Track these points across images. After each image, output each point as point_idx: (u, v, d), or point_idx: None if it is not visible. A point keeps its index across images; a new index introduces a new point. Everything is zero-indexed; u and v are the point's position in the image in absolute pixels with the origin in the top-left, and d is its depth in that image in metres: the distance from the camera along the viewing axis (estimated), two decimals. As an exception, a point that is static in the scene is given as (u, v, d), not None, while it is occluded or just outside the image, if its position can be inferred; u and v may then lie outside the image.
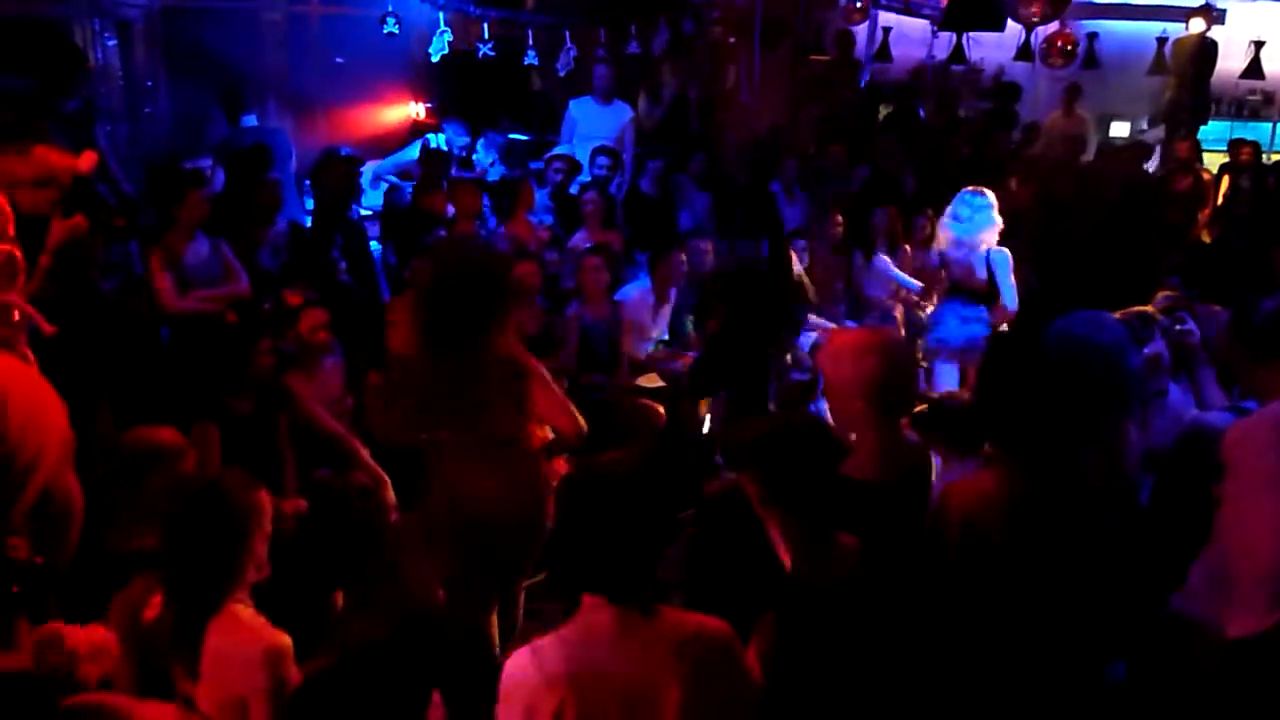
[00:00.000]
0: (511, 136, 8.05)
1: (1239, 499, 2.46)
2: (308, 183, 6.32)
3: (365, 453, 4.37)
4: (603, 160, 6.86)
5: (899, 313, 7.06)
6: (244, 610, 2.43)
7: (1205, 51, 10.01)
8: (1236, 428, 2.56)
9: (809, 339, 6.59)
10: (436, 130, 7.60)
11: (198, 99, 6.95)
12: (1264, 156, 9.43)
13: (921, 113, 10.57)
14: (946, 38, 10.68)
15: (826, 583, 2.18)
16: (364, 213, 6.32)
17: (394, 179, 7.00)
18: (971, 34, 10.51)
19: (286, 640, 2.42)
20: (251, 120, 6.46)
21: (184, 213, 4.77)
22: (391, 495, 4.29)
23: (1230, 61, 10.28)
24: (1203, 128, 10.22)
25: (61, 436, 1.76)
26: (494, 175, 7.18)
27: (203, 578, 2.41)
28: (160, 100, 7.13)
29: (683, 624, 1.94)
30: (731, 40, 9.58)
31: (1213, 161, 9.59)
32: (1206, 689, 2.49)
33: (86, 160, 4.51)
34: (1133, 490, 2.88)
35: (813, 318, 6.73)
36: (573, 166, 6.90)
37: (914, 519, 2.44)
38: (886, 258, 7.07)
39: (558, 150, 6.99)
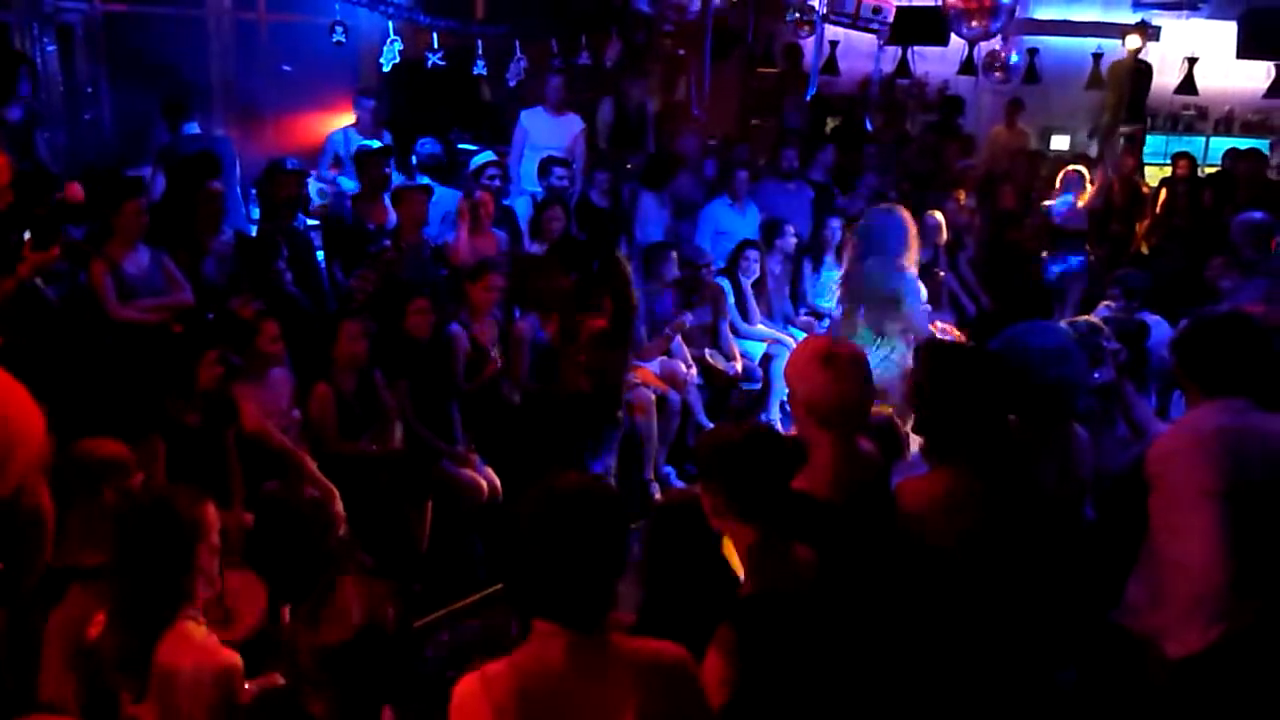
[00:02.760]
0: (462, 146, 8.00)
1: (1169, 515, 2.50)
2: (253, 192, 6.23)
3: (313, 465, 4.32)
4: (560, 171, 6.81)
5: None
6: (194, 628, 2.38)
7: (1141, 68, 10.28)
8: (1160, 443, 2.60)
9: (759, 349, 6.66)
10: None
11: (140, 105, 6.82)
12: (1199, 170, 9.69)
13: (869, 125, 10.71)
14: (892, 52, 10.85)
15: (783, 593, 2.18)
16: (311, 223, 6.24)
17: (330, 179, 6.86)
18: (916, 48, 10.70)
19: (236, 659, 2.38)
20: (194, 128, 6.35)
21: (121, 222, 4.69)
22: (340, 507, 4.24)
23: (1165, 77, 10.58)
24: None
25: (36, 445, 1.71)
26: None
27: (151, 594, 2.36)
28: (101, 106, 6.99)
29: (637, 651, 1.91)
30: (682, 52, 9.63)
31: (1149, 174, 9.86)
32: (1154, 707, 2.52)
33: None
34: (1082, 496, 2.93)
35: (762, 328, 6.79)
36: (505, 172, 6.83)
37: (870, 531, 2.46)
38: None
39: (489, 157, 6.89)
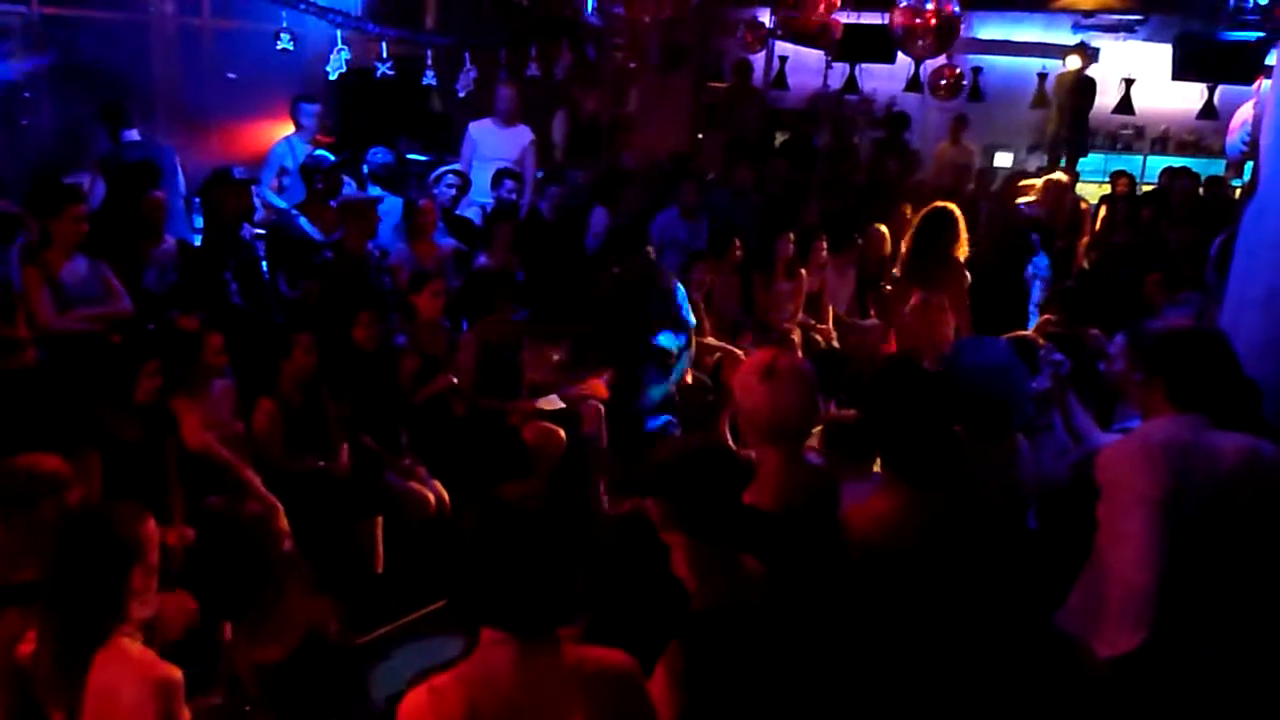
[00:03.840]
0: (410, 156, 7.96)
1: (1110, 521, 2.56)
2: (196, 201, 6.13)
3: (257, 480, 4.25)
4: (509, 184, 6.81)
5: (797, 335, 7.19)
6: (131, 644, 2.33)
7: (1084, 87, 10.54)
8: (1108, 451, 2.65)
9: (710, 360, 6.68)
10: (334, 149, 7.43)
11: (79, 111, 6.69)
12: (1136, 188, 9.94)
13: (817, 140, 10.85)
14: (840, 68, 11.00)
15: (732, 608, 2.19)
16: (258, 233, 6.15)
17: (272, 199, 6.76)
18: (864, 65, 10.86)
19: (177, 674, 2.33)
20: (135, 135, 6.23)
21: (61, 229, 4.58)
22: (284, 522, 4.17)
23: (1104, 97, 10.85)
24: (1080, 159, 10.78)
25: None
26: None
27: (85, 612, 2.30)
28: (40, 111, 6.85)
29: (586, 660, 1.90)
30: (633, 65, 9.68)
31: (1089, 191, 10.10)
32: (1084, 708, 2.58)
33: None
34: (1025, 508, 2.98)
35: (711, 340, 6.82)
36: (465, 182, 6.82)
37: (819, 544, 2.47)
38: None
39: (452, 165, 6.87)
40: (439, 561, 4.71)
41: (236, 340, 4.58)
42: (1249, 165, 9.70)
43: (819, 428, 3.10)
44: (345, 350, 4.88)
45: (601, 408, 5.76)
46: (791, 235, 7.35)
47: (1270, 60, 5.71)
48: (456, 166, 6.83)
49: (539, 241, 6.81)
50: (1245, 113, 7.68)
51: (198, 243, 5.72)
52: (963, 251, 5.73)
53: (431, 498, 4.80)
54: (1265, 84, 6.07)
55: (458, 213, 6.84)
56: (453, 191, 6.56)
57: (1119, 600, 2.47)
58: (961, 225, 5.72)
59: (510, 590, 1.82)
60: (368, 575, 4.57)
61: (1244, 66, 8.84)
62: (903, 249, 6.00)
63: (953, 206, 5.81)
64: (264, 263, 5.87)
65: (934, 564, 2.40)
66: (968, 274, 5.82)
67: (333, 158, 6.36)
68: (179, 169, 6.24)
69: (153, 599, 2.41)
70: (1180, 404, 2.59)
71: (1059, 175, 8.05)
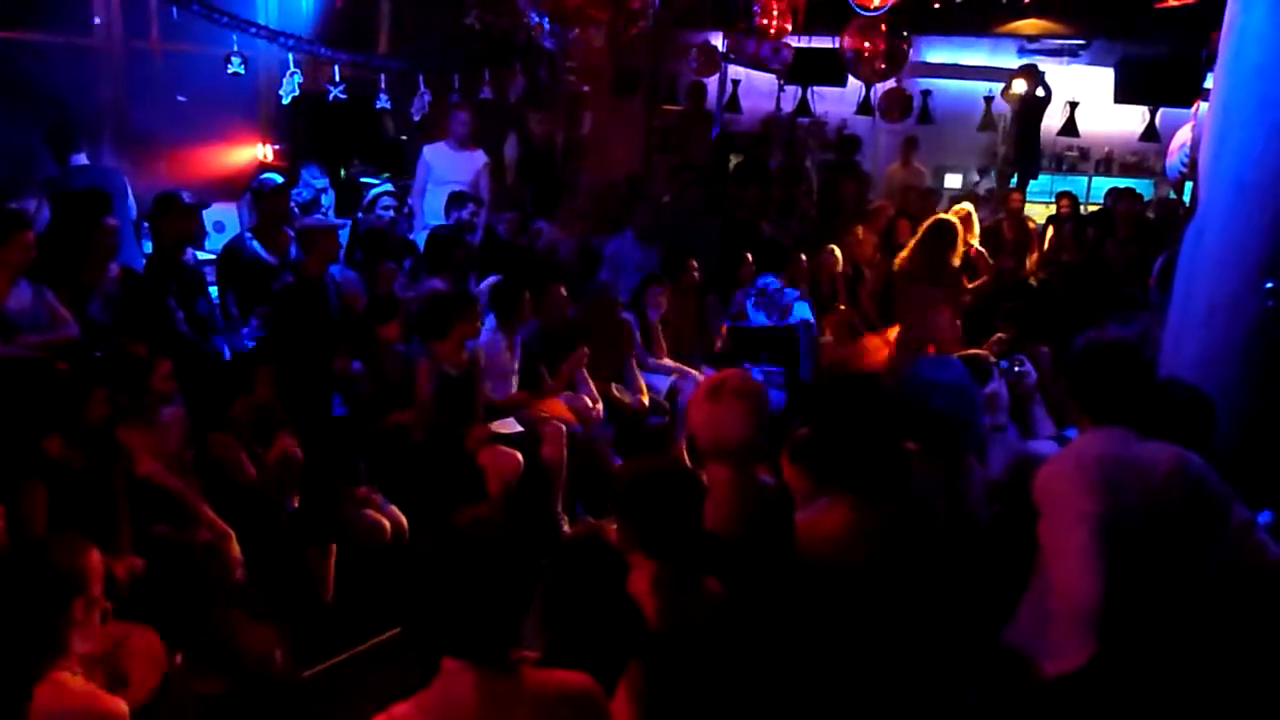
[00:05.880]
0: (363, 180, 7.92)
1: (1051, 537, 2.59)
2: (145, 226, 6.04)
3: (207, 507, 4.17)
4: (471, 206, 6.80)
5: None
6: (73, 679, 2.27)
7: (1032, 109, 10.77)
8: (1045, 469, 2.69)
9: (666, 383, 6.69)
10: (287, 173, 7.38)
11: (23, 135, 6.57)
12: (1081, 208, 10.14)
13: (771, 163, 10.96)
14: (792, 91, 11.13)
15: (692, 630, 2.18)
16: (202, 257, 6.07)
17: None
18: (816, 88, 11.00)
19: (122, 707, 2.28)
20: (82, 159, 6.13)
21: (8, 256, 4.49)
22: (236, 549, 4.10)
23: (1049, 120, 11.10)
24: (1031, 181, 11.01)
25: None
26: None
27: (23, 646, 2.24)
28: (-16, 135, 6.73)
29: (547, 683, 1.90)
30: (586, 89, 9.72)
31: (1037, 211, 10.29)
32: None
33: None
34: (976, 521, 3.00)
35: (668, 361, 6.84)
36: (400, 203, 6.78)
37: (771, 565, 2.47)
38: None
39: (385, 188, 6.84)
40: (394, 590, 4.66)
41: (183, 368, 4.50)
42: (1189, 185, 9.97)
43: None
44: (304, 378, 4.83)
45: (563, 429, 5.74)
46: (750, 257, 7.41)
47: (1208, 84, 5.87)
48: (389, 188, 6.78)
49: (496, 263, 6.80)
50: (1184, 135, 7.89)
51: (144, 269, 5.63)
52: (958, 259, 6.56)
53: (388, 525, 4.74)
54: (1203, 107, 6.24)
55: (411, 236, 6.81)
56: (389, 214, 6.51)
57: (1064, 617, 2.49)
58: (960, 235, 6.55)
59: (468, 618, 1.81)
60: (316, 605, 4.50)
61: (1183, 90, 9.08)
62: (905, 255, 6.76)
63: (953, 218, 6.67)
64: (212, 288, 5.79)
65: (882, 578, 2.41)
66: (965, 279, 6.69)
67: (279, 180, 6.30)
68: (129, 193, 6.15)
69: (96, 632, 2.36)
70: (1101, 419, 2.64)
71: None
